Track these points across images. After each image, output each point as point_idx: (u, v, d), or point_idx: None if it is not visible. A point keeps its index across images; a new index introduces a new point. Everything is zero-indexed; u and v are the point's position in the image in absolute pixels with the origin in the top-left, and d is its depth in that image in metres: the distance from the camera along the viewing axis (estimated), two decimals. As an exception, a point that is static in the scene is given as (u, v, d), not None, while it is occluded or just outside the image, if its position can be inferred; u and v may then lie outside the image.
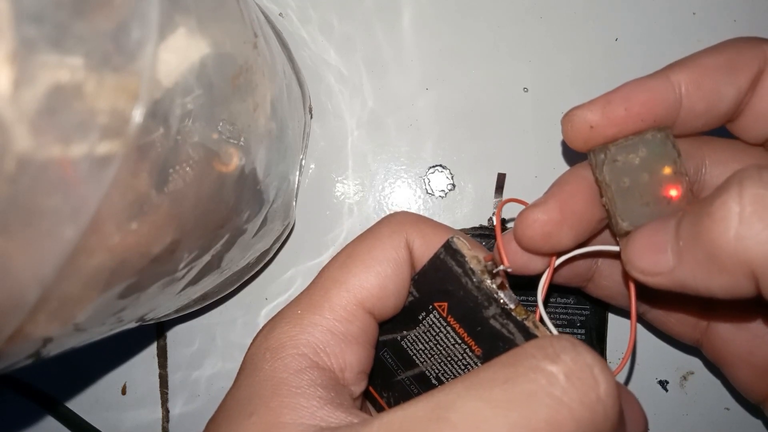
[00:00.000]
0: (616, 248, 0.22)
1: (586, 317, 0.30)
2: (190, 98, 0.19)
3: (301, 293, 0.21)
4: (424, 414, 0.16)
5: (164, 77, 0.17)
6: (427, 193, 0.33)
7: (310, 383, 0.19)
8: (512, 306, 0.21)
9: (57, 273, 0.16)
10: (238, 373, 0.20)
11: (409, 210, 0.33)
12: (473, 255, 0.21)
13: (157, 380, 0.33)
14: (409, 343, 0.23)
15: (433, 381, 0.23)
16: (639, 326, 0.32)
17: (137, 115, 0.16)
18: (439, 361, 0.23)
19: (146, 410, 0.33)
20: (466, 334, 0.22)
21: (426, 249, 0.22)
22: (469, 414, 0.15)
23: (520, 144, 0.33)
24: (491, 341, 0.21)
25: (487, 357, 0.22)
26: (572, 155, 0.33)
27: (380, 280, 0.21)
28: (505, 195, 0.32)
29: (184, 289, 0.24)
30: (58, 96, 0.15)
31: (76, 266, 0.16)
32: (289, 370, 0.19)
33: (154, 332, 0.33)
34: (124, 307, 0.21)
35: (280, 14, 0.33)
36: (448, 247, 0.21)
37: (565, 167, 0.33)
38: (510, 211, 0.32)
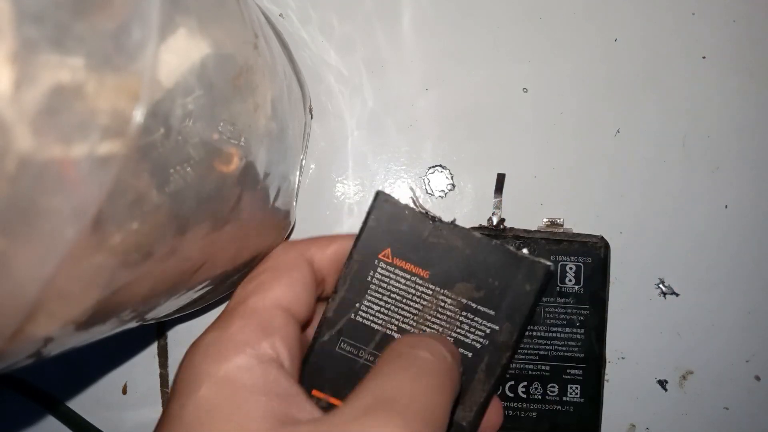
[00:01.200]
0: None
1: (585, 317, 0.30)
2: (191, 98, 0.19)
3: (221, 313, 0.22)
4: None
5: (165, 77, 0.17)
6: (427, 193, 0.33)
7: (255, 401, 0.19)
8: (439, 215, 0.24)
9: (57, 273, 0.16)
10: (173, 394, 0.20)
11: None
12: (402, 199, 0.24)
13: (158, 380, 0.33)
14: (364, 314, 0.24)
15: (396, 336, 0.24)
16: (640, 323, 0.32)
17: (138, 115, 0.16)
18: (397, 310, 0.24)
19: (147, 410, 0.33)
20: (412, 265, 0.24)
21: (326, 251, 0.24)
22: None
23: (520, 144, 0.33)
24: (435, 257, 0.24)
25: (433, 277, 0.24)
26: (573, 156, 0.33)
27: (293, 288, 0.22)
28: (505, 195, 0.32)
29: (184, 289, 0.24)
30: (59, 96, 0.15)
31: (76, 266, 0.16)
32: (228, 370, 0.19)
33: (154, 332, 0.33)
34: (125, 307, 0.21)
35: (281, 15, 0.33)
36: (379, 196, 0.24)
37: (564, 167, 0.33)
38: (509, 211, 0.32)
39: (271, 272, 0.23)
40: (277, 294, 0.22)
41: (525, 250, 0.30)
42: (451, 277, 0.23)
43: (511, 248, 0.24)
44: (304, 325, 0.24)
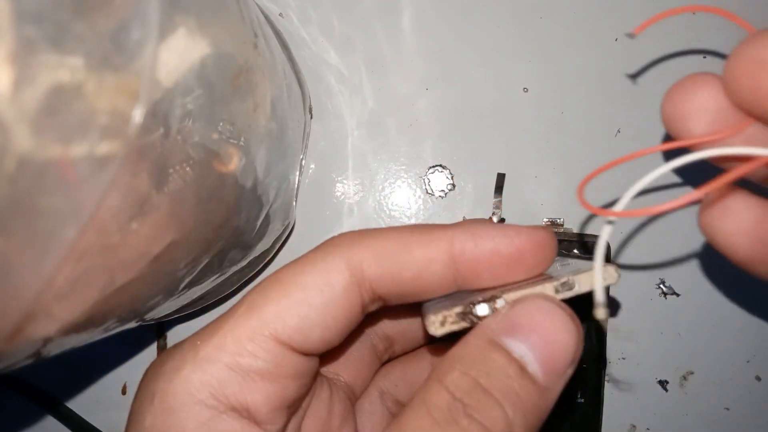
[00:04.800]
0: None
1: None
2: (190, 98, 0.19)
3: (214, 320, 0.18)
4: None
5: (164, 77, 0.17)
6: (427, 193, 0.33)
7: None
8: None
9: (57, 273, 0.16)
10: (128, 418, 0.18)
11: (408, 210, 0.33)
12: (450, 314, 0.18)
13: (158, 380, 0.33)
14: None
15: None
16: (640, 323, 0.32)
17: (137, 115, 0.16)
18: None
19: (146, 410, 0.33)
20: None
21: (382, 263, 0.18)
22: None
23: (520, 144, 0.33)
24: None
25: None
26: (571, 157, 0.33)
27: (301, 309, 0.17)
28: (505, 195, 0.32)
29: (184, 289, 0.24)
30: (59, 96, 0.15)
31: (76, 266, 0.16)
32: (177, 422, 0.16)
33: (154, 332, 0.33)
34: (125, 307, 0.21)
35: (280, 14, 0.33)
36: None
37: (564, 167, 0.33)
38: (509, 211, 0.32)
39: (279, 285, 0.18)
40: (278, 320, 0.17)
41: (576, 251, 0.30)
42: None
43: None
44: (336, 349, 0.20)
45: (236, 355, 0.17)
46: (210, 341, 0.17)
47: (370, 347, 0.24)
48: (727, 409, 0.32)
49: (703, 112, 0.17)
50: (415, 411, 0.16)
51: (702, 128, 0.18)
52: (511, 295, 0.17)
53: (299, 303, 0.17)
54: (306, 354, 0.18)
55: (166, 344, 0.33)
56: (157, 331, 0.33)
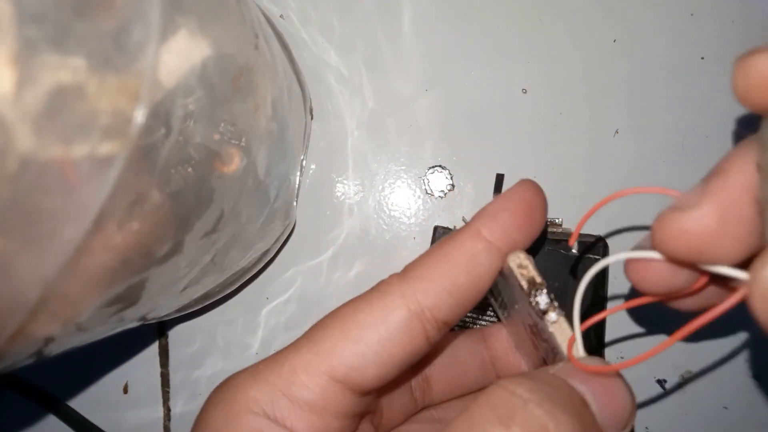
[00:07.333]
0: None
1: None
2: (192, 99, 0.19)
3: (278, 351, 0.20)
4: None
5: (165, 78, 0.18)
6: (427, 193, 0.33)
7: None
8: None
9: (58, 273, 0.16)
10: (196, 420, 0.19)
11: (408, 210, 0.33)
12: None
13: (159, 379, 0.33)
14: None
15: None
16: (639, 323, 0.32)
17: (139, 115, 0.16)
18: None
19: (148, 409, 0.33)
20: None
21: (434, 284, 0.19)
22: None
23: (519, 144, 0.33)
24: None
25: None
26: (572, 157, 0.33)
27: (358, 348, 0.18)
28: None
29: (185, 288, 0.24)
30: (60, 97, 0.15)
31: (77, 266, 0.16)
32: (235, 427, 0.18)
33: (155, 332, 0.33)
34: (126, 307, 0.21)
35: (281, 16, 0.33)
36: (438, 230, 0.23)
37: (563, 167, 0.33)
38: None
39: (339, 322, 0.19)
40: (334, 357, 0.18)
41: (574, 250, 0.30)
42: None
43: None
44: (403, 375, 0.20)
45: (289, 382, 0.18)
46: (270, 367, 0.19)
47: (408, 387, 0.24)
48: (726, 408, 0.32)
49: (658, 278, 0.20)
50: (475, 408, 0.16)
51: (660, 284, 0.20)
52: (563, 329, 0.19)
53: (357, 341, 0.18)
54: (359, 393, 0.19)
55: (167, 344, 0.33)
56: (158, 330, 0.33)
